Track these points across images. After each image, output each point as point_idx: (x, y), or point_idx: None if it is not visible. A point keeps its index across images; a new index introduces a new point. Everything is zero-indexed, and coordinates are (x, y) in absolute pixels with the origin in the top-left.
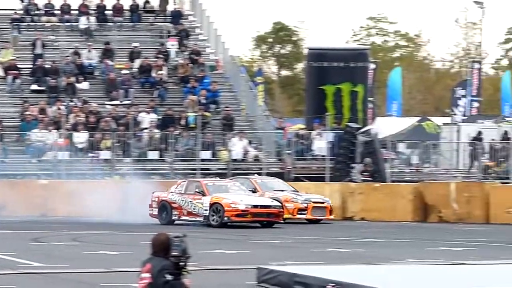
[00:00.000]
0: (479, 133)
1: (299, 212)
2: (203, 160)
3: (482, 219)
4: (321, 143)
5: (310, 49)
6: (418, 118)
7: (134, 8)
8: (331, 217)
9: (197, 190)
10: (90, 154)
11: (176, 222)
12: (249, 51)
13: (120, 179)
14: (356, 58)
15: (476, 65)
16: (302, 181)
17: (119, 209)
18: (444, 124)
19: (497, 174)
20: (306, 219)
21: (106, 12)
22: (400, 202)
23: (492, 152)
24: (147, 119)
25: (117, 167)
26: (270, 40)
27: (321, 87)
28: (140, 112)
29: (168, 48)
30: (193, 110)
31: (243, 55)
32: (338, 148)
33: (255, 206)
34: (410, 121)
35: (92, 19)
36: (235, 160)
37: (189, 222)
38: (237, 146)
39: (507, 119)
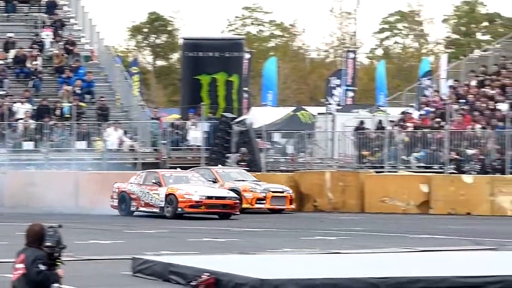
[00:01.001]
0: (362, 122)
1: (258, 202)
2: (78, 150)
3: (357, 208)
4: (196, 133)
5: (185, 39)
6: (293, 108)
7: None
8: (292, 206)
9: (153, 181)
10: None
11: (136, 213)
12: (124, 41)
13: None
14: (231, 48)
15: (351, 55)
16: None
17: None
18: (319, 113)
19: (371, 163)
20: (268, 209)
21: None
22: None
23: (367, 141)
24: (22, 109)
25: None
26: (145, 30)
27: (196, 77)
28: (15, 102)
29: (43, 38)
30: (68, 100)
31: (118, 45)
32: (214, 138)
33: (210, 197)
34: (285, 111)
35: None
36: (110, 150)
37: (147, 213)
38: (112, 136)
39: (381, 108)
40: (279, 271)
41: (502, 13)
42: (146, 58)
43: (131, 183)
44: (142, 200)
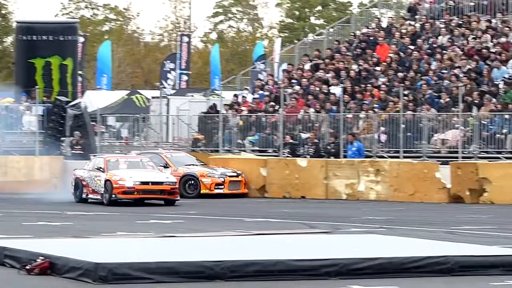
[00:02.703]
0: (211, 107)
1: (216, 187)
2: None
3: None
4: (30, 117)
5: (18, 22)
6: (128, 92)
7: None
8: (246, 190)
9: (97, 166)
10: None
11: (89, 200)
12: None
13: None
14: (65, 31)
15: (185, 39)
16: (13, 155)
17: None
18: (154, 97)
19: (206, 146)
20: (234, 194)
21: None
22: None
23: (202, 125)
24: None
25: None
26: None
27: (30, 61)
28: None
29: None
30: None
31: None
32: (48, 122)
33: (145, 183)
34: (120, 94)
35: None
36: None
37: (93, 200)
38: None
39: (216, 92)
40: (113, 255)
41: None
42: None
43: (84, 169)
44: (90, 187)
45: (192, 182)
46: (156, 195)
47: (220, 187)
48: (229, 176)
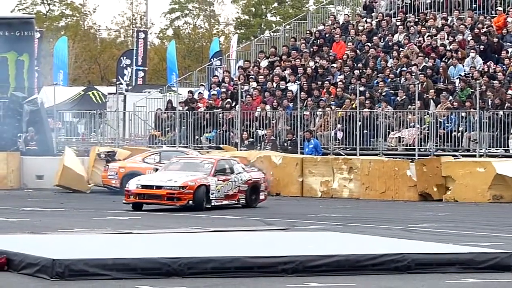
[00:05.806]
0: (170, 101)
1: None
2: None
3: None
4: None
5: None
6: (84, 88)
7: None
8: None
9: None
10: None
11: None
12: None
13: None
14: (21, 27)
15: (142, 35)
16: None
17: None
18: (110, 93)
19: (163, 143)
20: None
21: None
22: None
23: (158, 121)
24: None
25: None
26: None
27: None
28: None
29: None
30: None
31: None
32: (4, 117)
33: (149, 187)
34: (76, 90)
35: None
36: None
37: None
38: None
39: (173, 88)
40: (70, 251)
41: None
42: None
43: None
44: None
45: None
46: (150, 200)
47: None
48: None
